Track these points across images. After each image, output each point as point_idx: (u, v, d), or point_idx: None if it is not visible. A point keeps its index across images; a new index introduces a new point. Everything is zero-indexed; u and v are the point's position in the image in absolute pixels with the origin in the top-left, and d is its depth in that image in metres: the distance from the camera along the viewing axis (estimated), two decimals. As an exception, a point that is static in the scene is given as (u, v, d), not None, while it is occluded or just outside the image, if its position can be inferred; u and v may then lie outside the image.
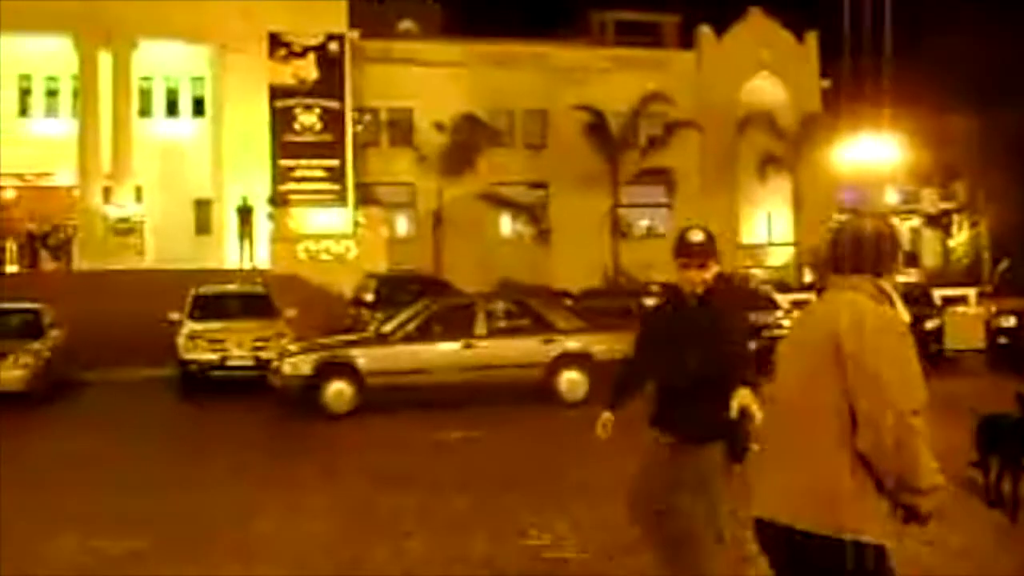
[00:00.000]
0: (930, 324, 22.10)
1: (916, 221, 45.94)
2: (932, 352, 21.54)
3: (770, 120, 40.04)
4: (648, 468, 5.90)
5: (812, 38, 42.70)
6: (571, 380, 16.92)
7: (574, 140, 38.59)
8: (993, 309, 22.91)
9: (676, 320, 5.75)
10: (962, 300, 26.71)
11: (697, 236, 5.67)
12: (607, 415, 6.10)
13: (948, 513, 8.63)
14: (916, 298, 23.62)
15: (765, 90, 41.71)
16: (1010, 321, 21.78)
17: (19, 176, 36.19)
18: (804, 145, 39.57)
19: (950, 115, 37.25)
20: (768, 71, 41.94)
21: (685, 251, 5.68)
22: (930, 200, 45.12)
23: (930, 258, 45.52)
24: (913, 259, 44.63)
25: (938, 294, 25.25)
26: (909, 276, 34.50)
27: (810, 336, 3.68)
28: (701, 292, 5.66)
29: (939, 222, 45.20)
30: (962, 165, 39.95)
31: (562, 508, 9.19)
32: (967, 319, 24.07)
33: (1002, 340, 21.79)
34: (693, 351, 5.53)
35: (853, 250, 3.71)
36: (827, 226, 4.10)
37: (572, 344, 17.20)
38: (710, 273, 5.64)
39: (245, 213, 34.26)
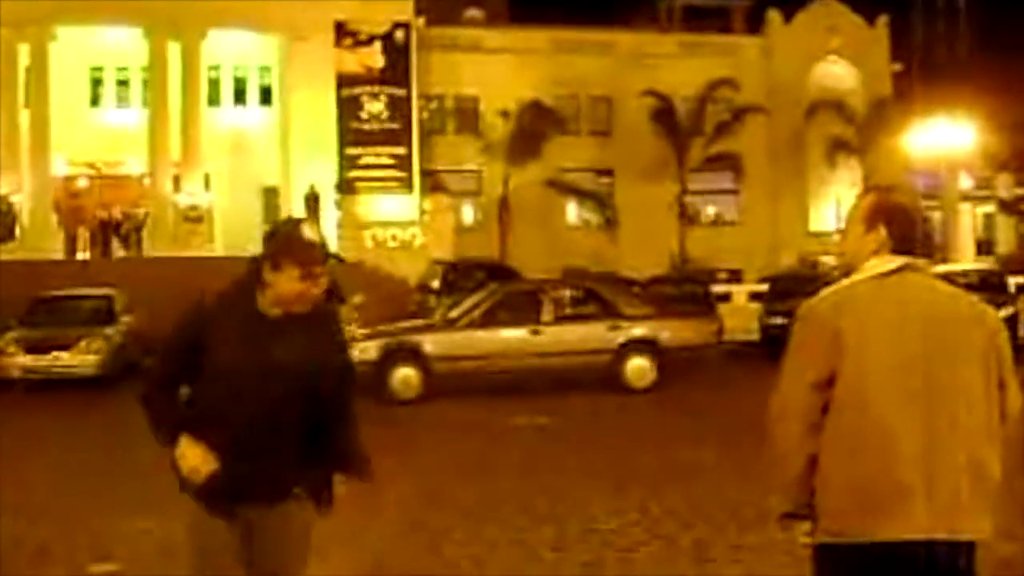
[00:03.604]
0: (1004, 312, 21.66)
1: (990, 207, 45.06)
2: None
3: (839, 105, 39.47)
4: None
5: (883, 22, 42.04)
6: (638, 367, 16.81)
7: (640, 127, 38.34)
8: (1070, 297, 22.46)
9: (262, 334, 3.95)
10: (1038, 287, 26.19)
11: (315, 235, 3.97)
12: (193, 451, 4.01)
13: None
14: (991, 285, 23.24)
15: (834, 75, 41.13)
16: (1088, 308, 21.35)
17: (91, 165, 36.76)
18: (874, 130, 38.94)
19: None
20: (837, 55, 41.35)
21: (309, 256, 3.91)
22: (1005, 186, 44.20)
23: (1004, 244, 44.65)
24: (988, 246, 43.82)
25: (1013, 281, 24.79)
26: (984, 262, 33.88)
27: (941, 323, 3.28)
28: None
29: (1014, 208, 44.25)
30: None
31: (631, 494, 9.12)
32: (1043, 307, 23.59)
33: (1080, 328, 21.34)
34: (295, 375, 3.93)
35: (924, 231, 3.47)
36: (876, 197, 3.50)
37: (639, 330, 17.08)
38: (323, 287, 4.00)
39: (312, 200, 34.48)
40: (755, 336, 22.70)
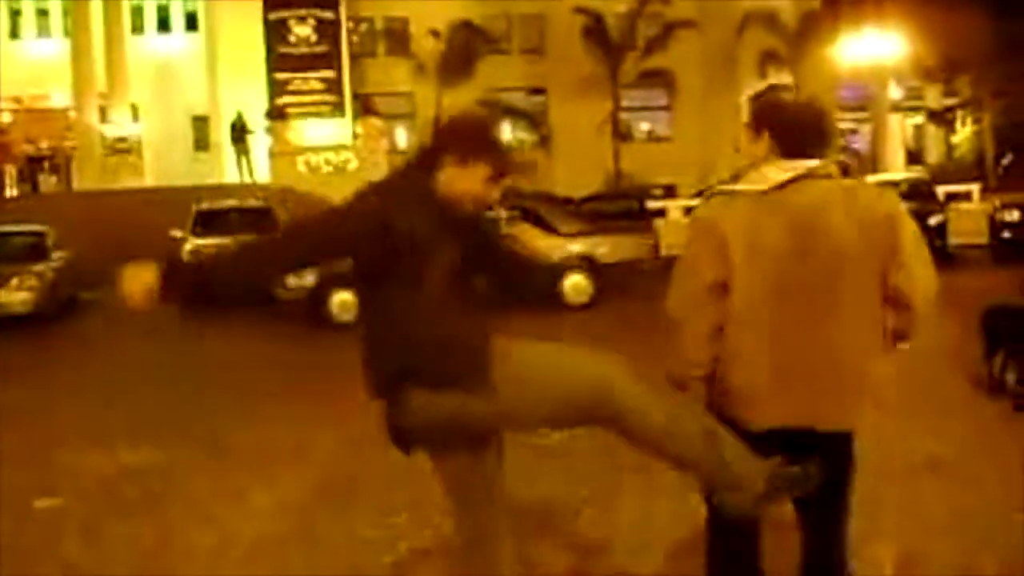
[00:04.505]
0: (934, 220, 22.06)
1: (919, 118, 45.52)
2: (935, 247, 21.52)
3: (770, 18, 39.46)
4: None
5: (812, -69, 41.91)
6: (575, 283, 16.96)
7: (572, 44, 38.09)
8: (996, 204, 22.87)
9: (463, 232, 3.66)
10: (966, 196, 26.68)
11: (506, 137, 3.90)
12: None
13: (953, 405, 8.75)
14: (920, 194, 23.59)
15: (765, -13, 41.03)
16: (1013, 215, 21.78)
17: (15, 99, 35.93)
18: (805, 42, 39.05)
19: (955, 9, 36.72)
20: (767, -32, 41.22)
21: (504, 159, 3.68)
22: (934, 96, 44.64)
23: (934, 154, 45.22)
24: (917, 156, 44.35)
25: (942, 190, 25.20)
26: (913, 172, 34.35)
27: (827, 235, 3.38)
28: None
29: (943, 118, 44.74)
30: (966, 60, 39.48)
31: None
32: (970, 214, 24.06)
33: (1005, 234, 21.80)
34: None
35: (826, 128, 3.51)
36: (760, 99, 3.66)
37: (575, 247, 17.21)
38: None
39: (239, 129, 33.93)
40: (691, 250, 22.92)
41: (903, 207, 3.54)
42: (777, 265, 3.38)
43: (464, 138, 3.63)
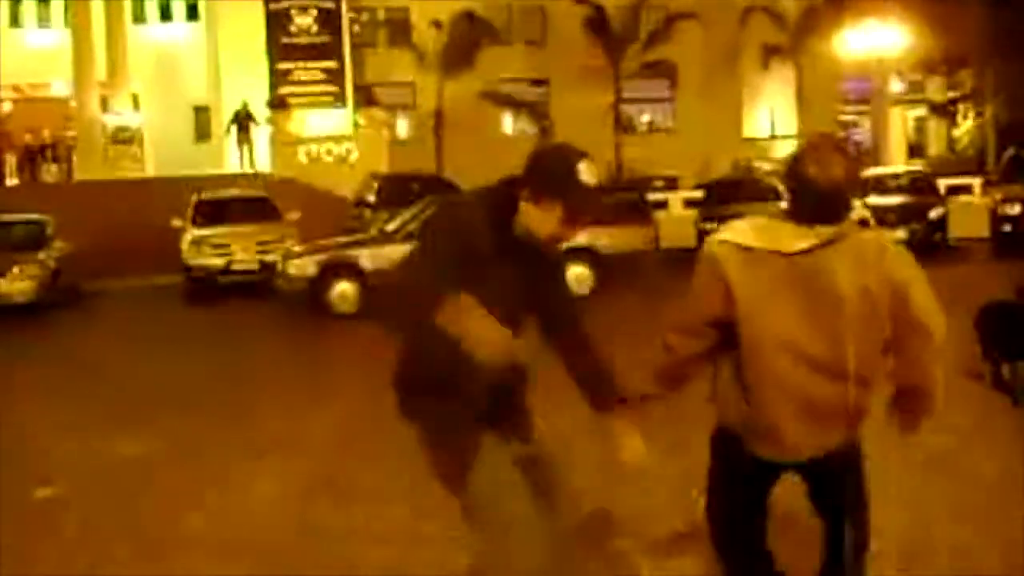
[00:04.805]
0: (934, 213, 22.09)
1: (921, 110, 45.48)
2: (936, 241, 21.55)
3: (772, 9, 39.43)
4: None
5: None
6: (576, 274, 16.94)
7: (574, 35, 38.04)
8: (998, 197, 22.82)
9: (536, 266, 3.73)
10: (967, 189, 26.66)
11: (593, 177, 3.51)
12: None
13: (953, 400, 8.74)
14: (921, 187, 23.60)
15: (767, -21, 40.97)
16: (1015, 209, 21.71)
17: (15, 88, 35.87)
18: (807, 35, 39.00)
19: (957, 2, 36.68)
20: (769, -40, 41.13)
21: (582, 203, 3.54)
22: (935, 89, 44.58)
23: (935, 147, 45.19)
24: (918, 148, 44.33)
25: (943, 183, 25.16)
26: (915, 165, 34.33)
27: (849, 289, 3.43)
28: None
29: (945, 111, 44.70)
30: (969, 53, 39.44)
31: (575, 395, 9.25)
32: (972, 208, 24.04)
33: (1006, 228, 21.74)
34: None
35: (843, 203, 3.44)
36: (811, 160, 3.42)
37: (577, 238, 17.17)
38: None
39: (244, 118, 33.87)
40: (691, 242, 22.90)
41: (913, 268, 3.58)
42: (785, 322, 3.46)
43: (542, 177, 3.51)
